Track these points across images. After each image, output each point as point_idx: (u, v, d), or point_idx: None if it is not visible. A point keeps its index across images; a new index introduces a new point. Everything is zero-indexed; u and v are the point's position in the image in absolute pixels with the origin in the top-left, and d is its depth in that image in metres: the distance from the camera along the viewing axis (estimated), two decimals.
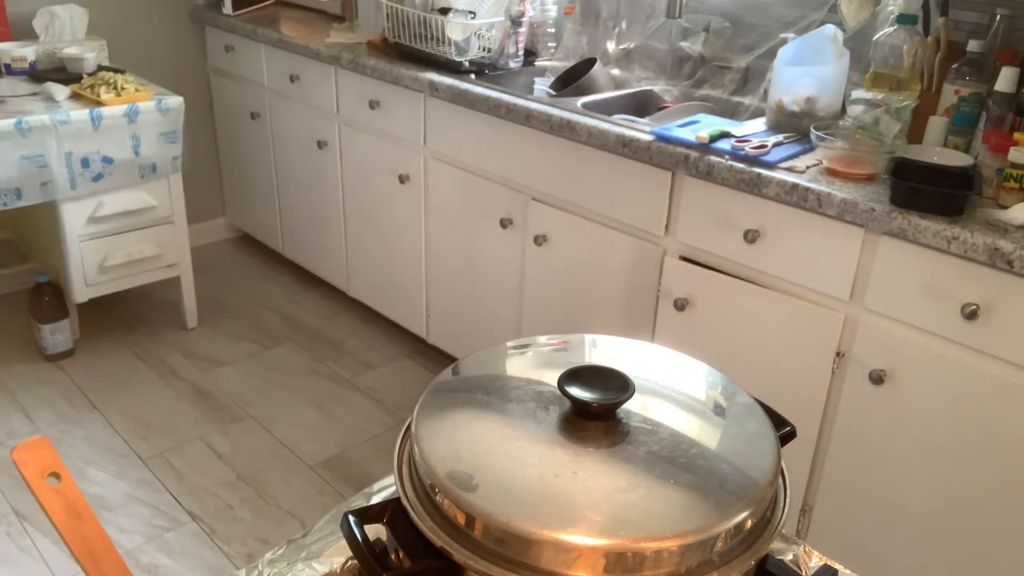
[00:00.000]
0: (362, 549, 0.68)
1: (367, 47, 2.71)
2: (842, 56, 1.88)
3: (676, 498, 0.67)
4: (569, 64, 2.52)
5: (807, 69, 1.88)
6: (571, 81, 2.41)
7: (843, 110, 1.92)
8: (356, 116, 2.73)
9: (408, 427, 0.76)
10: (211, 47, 3.34)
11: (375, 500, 0.96)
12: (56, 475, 0.91)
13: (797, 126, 1.90)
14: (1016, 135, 1.58)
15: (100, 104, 2.54)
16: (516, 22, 2.51)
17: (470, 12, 2.43)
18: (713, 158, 1.80)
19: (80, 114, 2.50)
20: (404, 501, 0.70)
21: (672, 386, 0.81)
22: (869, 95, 1.85)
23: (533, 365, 0.85)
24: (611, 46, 2.54)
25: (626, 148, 1.95)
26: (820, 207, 1.65)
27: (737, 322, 1.86)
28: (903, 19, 1.82)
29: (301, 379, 2.77)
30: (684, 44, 2.37)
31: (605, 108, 2.24)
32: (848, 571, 0.87)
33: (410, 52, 2.57)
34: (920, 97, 1.84)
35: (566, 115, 2.08)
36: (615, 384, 0.75)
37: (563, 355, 0.86)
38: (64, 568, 2.00)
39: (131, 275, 2.79)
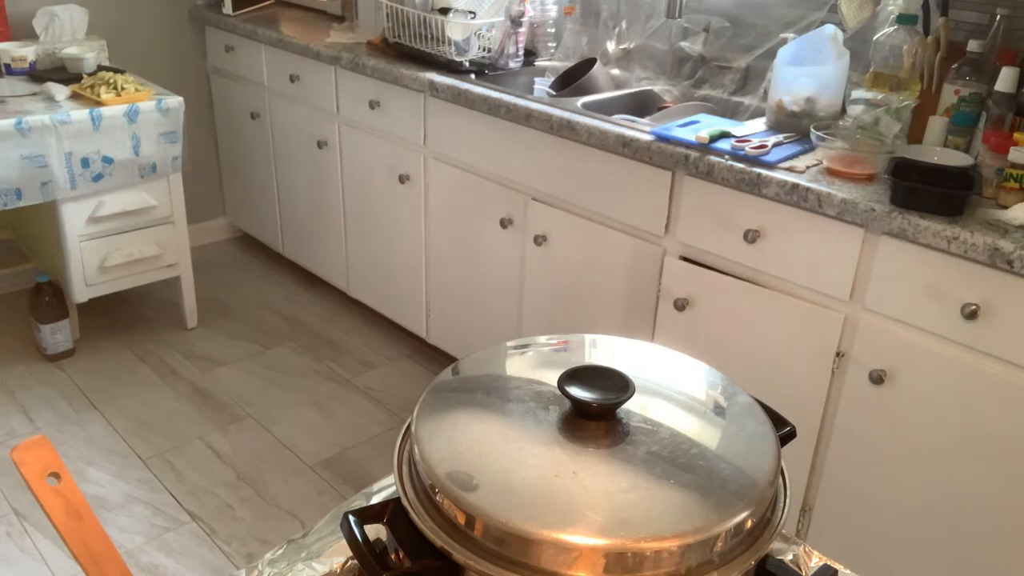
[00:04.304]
0: (362, 549, 0.68)
1: (367, 47, 2.71)
2: (842, 56, 1.88)
3: (676, 498, 0.67)
4: (569, 64, 2.52)
5: (807, 69, 1.88)
6: (571, 81, 2.41)
7: (843, 110, 1.92)
8: (356, 116, 2.73)
9: (408, 427, 0.76)
10: (211, 47, 3.34)
11: (375, 500, 0.96)
12: (56, 475, 0.91)
13: (797, 126, 1.90)
14: (1016, 135, 1.58)
15: (100, 104, 2.54)
16: (516, 22, 2.51)
17: (470, 12, 2.43)
18: (713, 158, 1.80)
19: (80, 114, 2.50)
20: (404, 501, 0.70)
21: (672, 386, 0.81)
22: (869, 95, 1.85)
23: (533, 365, 0.85)
24: (611, 46, 2.54)
25: (626, 148, 1.95)
26: (820, 207, 1.65)
27: (737, 322, 1.86)
28: (903, 19, 1.82)
29: (301, 379, 2.77)
30: (684, 44, 2.37)
31: (605, 108, 2.24)
32: (848, 571, 0.87)
33: (410, 52, 2.57)
34: (920, 97, 1.84)
35: (566, 115, 2.08)
36: (615, 384, 0.75)
37: (563, 355, 0.85)
38: (64, 568, 2.00)
39: (131, 275, 2.79)
